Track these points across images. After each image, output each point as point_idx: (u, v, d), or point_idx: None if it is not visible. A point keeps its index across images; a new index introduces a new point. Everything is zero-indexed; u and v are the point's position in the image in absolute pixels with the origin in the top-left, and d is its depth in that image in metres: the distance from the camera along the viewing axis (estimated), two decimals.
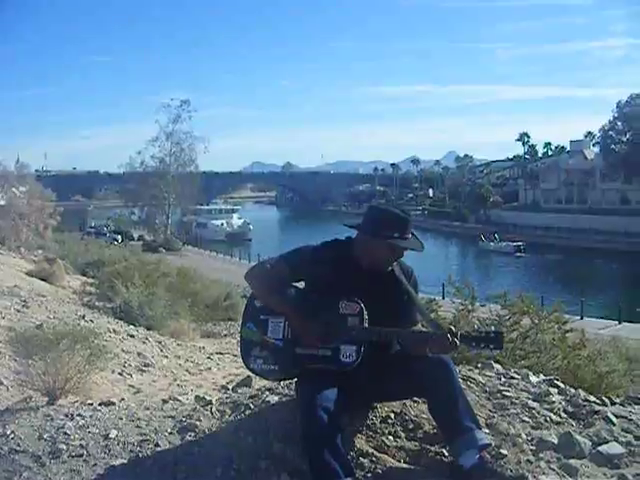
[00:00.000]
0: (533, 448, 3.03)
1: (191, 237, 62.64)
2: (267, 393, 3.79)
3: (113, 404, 4.36)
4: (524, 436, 3.13)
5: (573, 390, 3.96)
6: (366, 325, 2.96)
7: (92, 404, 4.40)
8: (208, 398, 4.10)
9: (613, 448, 3.04)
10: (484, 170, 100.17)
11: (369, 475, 2.89)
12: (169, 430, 3.54)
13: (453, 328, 2.95)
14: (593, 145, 78.09)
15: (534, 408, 3.48)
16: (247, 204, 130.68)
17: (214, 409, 3.74)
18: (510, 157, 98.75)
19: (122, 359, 7.55)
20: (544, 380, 4.13)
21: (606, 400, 3.80)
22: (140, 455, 3.27)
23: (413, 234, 3.09)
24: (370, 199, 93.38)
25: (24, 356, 4.66)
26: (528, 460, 2.92)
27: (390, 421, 3.25)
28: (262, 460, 3.02)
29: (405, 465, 2.99)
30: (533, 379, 4.08)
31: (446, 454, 2.99)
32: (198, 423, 3.53)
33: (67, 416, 3.85)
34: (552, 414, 3.43)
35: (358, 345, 2.94)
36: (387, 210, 3.11)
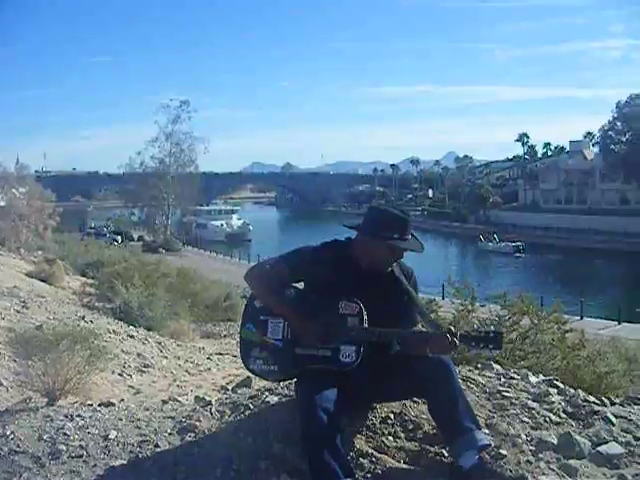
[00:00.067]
0: (533, 448, 3.03)
1: (191, 238, 62.65)
2: (267, 394, 3.79)
3: (113, 405, 4.37)
4: (524, 436, 3.13)
5: (573, 390, 3.96)
6: (366, 325, 2.96)
7: (92, 405, 4.39)
8: (208, 399, 4.10)
9: (613, 448, 3.04)
10: (484, 170, 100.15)
11: (369, 476, 2.89)
12: (169, 431, 3.55)
13: (453, 328, 2.96)
14: (593, 145, 78.18)
15: (534, 408, 3.48)
16: (247, 205, 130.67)
17: (214, 410, 3.74)
18: (510, 157, 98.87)
19: (122, 360, 7.56)
20: (544, 380, 4.13)
21: (605, 400, 3.80)
22: (140, 456, 3.27)
23: (413, 235, 3.09)
24: (370, 200, 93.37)
25: (24, 357, 4.66)
26: (528, 460, 2.92)
27: (390, 421, 3.25)
28: (262, 460, 3.02)
29: (405, 465, 2.99)
30: (533, 379, 4.08)
31: (446, 455, 2.99)
32: (198, 424, 3.53)
33: (67, 417, 3.85)
34: (552, 414, 3.43)
35: (358, 345, 2.94)
36: (387, 211, 3.11)
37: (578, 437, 3.09)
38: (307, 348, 3.00)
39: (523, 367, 4.78)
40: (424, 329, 3.12)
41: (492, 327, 5.12)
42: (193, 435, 3.44)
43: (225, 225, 70.66)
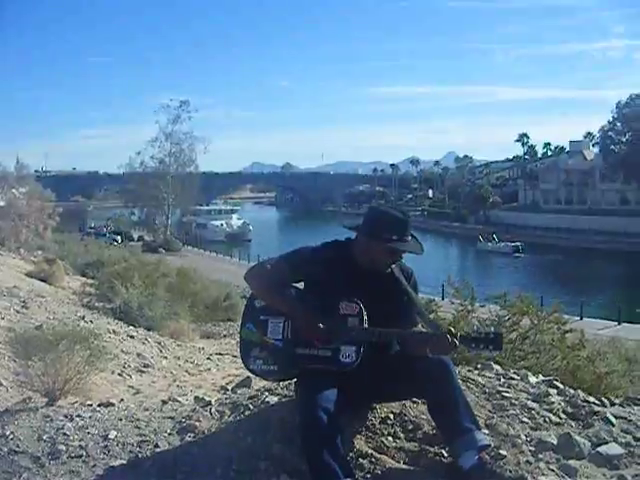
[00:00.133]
0: (532, 449, 3.03)
1: (191, 237, 62.65)
2: (266, 394, 3.79)
3: (112, 405, 4.37)
4: (523, 437, 3.13)
5: (572, 391, 3.95)
6: (366, 326, 2.96)
7: (91, 405, 4.40)
8: (207, 399, 4.10)
9: (612, 449, 3.04)
10: (483, 171, 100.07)
11: (368, 476, 2.89)
12: (168, 431, 3.55)
13: (452, 329, 2.96)
14: (592, 146, 78.17)
15: (533, 409, 3.48)
16: (247, 205, 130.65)
17: (213, 410, 3.74)
18: (510, 158, 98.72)
19: (122, 360, 7.56)
20: (543, 381, 4.13)
21: (605, 401, 3.79)
22: (139, 456, 3.27)
23: (413, 236, 3.09)
24: (370, 200, 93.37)
25: (23, 357, 4.66)
26: (527, 461, 2.92)
27: (389, 422, 3.25)
28: (261, 461, 3.02)
29: (404, 466, 2.99)
30: (532, 380, 4.08)
31: (445, 455, 2.99)
32: (197, 424, 3.53)
33: (66, 417, 3.85)
34: (551, 415, 3.43)
35: (358, 346, 2.94)
36: (387, 212, 3.11)
37: (578, 437, 3.09)
38: (307, 348, 3.00)
39: (523, 367, 4.78)
40: (424, 330, 3.12)
41: (492, 328, 5.13)
42: (193, 435, 3.44)
43: (225, 225, 70.66)
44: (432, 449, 3.06)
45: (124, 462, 3.21)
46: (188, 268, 20.16)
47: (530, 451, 3.01)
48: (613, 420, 3.38)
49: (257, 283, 3.17)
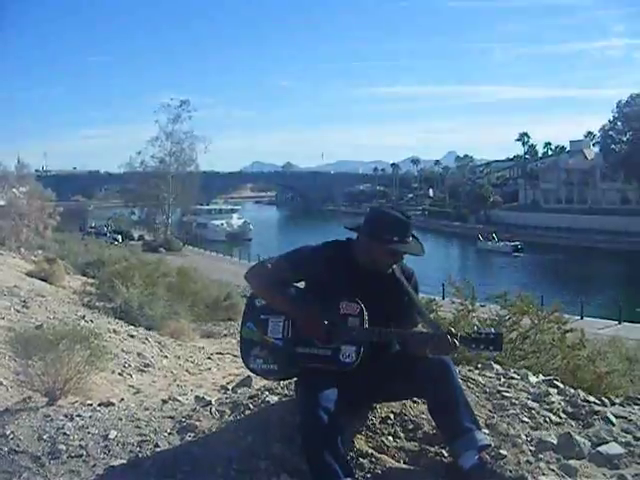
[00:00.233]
0: (533, 449, 3.03)
1: (191, 237, 62.60)
2: (267, 393, 3.79)
3: (113, 405, 4.37)
4: (524, 437, 3.13)
5: (573, 390, 3.95)
6: (366, 326, 2.96)
7: (92, 405, 4.40)
8: (208, 398, 4.10)
9: (612, 448, 3.04)
10: (484, 170, 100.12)
11: (369, 475, 2.89)
12: (169, 430, 3.55)
13: (453, 329, 2.96)
14: (593, 145, 78.19)
15: (534, 408, 3.48)
16: (247, 204, 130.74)
17: (214, 409, 3.74)
18: (510, 157, 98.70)
19: (122, 359, 7.57)
20: (544, 380, 4.13)
21: (606, 400, 3.79)
22: (140, 455, 3.27)
23: (414, 237, 3.09)
24: (370, 199, 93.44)
25: (24, 356, 4.66)
26: (528, 461, 2.92)
27: (390, 421, 3.25)
28: (262, 460, 3.02)
29: (405, 465, 2.99)
30: (533, 379, 4.08)
31: (446, 455, 2.99)
32: (198, 423, 3.53)
33: (67, 417, 3.85)
34: (552, 414, 3.43)
35: (358, 345, 2.94)
36: (388, 213, 3.09)
37: (578, 437, 3.09)
38: (307, 347, 3.00)
39: (523, 367, 4.78)
40: (424, 330, 3.12)
41: (492, 328, 5.12)
42: (193, 435, 3.44)
43: (225, 224, 70.63)
44: (432, 449, 3.06)
45: (124, 462, 3.21)
46: (188, 267, 20.17)
47: (530, 451, 3.01)
48: (613, 420, 3.38)
49: (257, 282, 3.17)
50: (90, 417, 3.84)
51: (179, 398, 4.64)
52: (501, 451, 2.96)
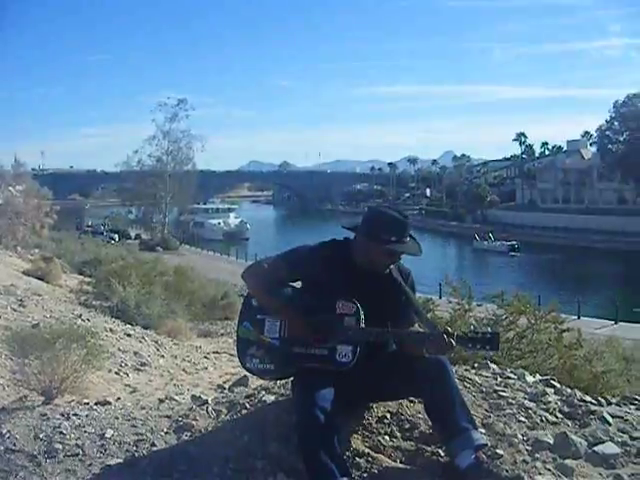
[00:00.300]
0: (529, 448, 3.03)
1: (188, 236, 62.54)
2: (263, 393, 3.79)
3: (109, 403, 4.37)
4: (520, 436, 3.13)
5: (569, 390, 3.96)
6: (363, 325, 2.96)
7: (88, 403, 4.40)
8: (204, 398, 4.09)
9: (609, 448, 3.04)
10: (481, 170, 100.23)
11: (365, 475, 2.89)
12: (165, 430, 3.54)
13: (449, 329, 2.96)
14: (590, 145, 78.40)
15: (530, 408, 3.48)
16: (244, 203, 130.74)
17: (210, 409, 3.74)
18: (507, 157, 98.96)
19: (118, 358, 7.56)
20: (540, 380, 4.13)
21: (602, 400, 3.80)
22: (136, 455, 3.26)
23: (412, 237, 3.08)
24: (367, 198, 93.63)
25: (20, 355, 4.66)
26: (524, 460, 2.92)
27: (386, 421, 3.25)
28: (258, 460, 3.02)
29: (401, 465, 2.99)
30: (529, 379, 4.08)
31: (442, 454, 2.99)
32: (194, 423, 3.53)
33: (63, 415, 3.84)
34: (548, 414, 3.43)
35: (354, 345, 2.94)
36: (385, 213, 3.09)
37: (574, 437, 3.09)
38: (304, 347, 2.99)
39: (520, 367, 4.78)
40: (421, 329, 3.12)
41: (489, 328, 5.13)
42: (189, 434, 3.44)
43: (222, 224, 70.64)
44: (429, 448, 3.07)
45: (121, 461, 3.20)
46: (185, 267, 20.17)
47: (527, 450, 3.01)
48: (610, 419, 3.38)
49: (254, 282, 3.17)
50: (86, 416, 3.84)
51: (176, 397, 4.64)
52: (497, 451, 2.96)
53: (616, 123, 67.82)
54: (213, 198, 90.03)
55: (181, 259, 32.43)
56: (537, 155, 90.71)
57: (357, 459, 2.96)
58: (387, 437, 3.15)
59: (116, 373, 6.99)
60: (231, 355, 9.31)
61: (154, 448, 3.32)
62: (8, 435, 3.49)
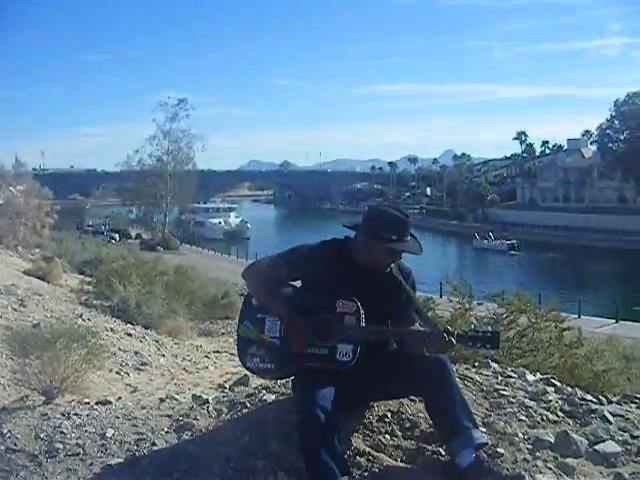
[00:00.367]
0: (530, 447, 3.03)
1: (189, 235, 62.58)
2: (264, 392, 3.79)
3: (110, 403, 4.37)
4: (521, 435, 3.13)
5: (570, 389, 3.96)
6: (363, 324, 2.96)
7: (89, 403, 4.39)
8: (205, 397, 4.09)
9: (610, 447, 3.04)
10: (482, 169, 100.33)
11: (366, 474, 2.89)
12: (166, 429, 3.54)
13: (450, 328, 2.95)
14: (591, 144, 78.31)
15: (531, 407, 3.48)
16: (245, 202, 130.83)
17: (211, 408, 3.74)
18: (508, 156, 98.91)
19: (119, 358, 7.56)
20: (541, 379, 4.13)
21: (603, 399, 3.80)
22: (137, 454, 3.26)
23: (412, 235, 3.08)
24: (368, 198, 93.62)
25: (21, 355, 4.66)
26: (525, 459, 2.92)
27: (387, 420, 3.25)
28: (259, 459, 3.02)
29: (402, 464, 2.99)
30: (530, 378, 4.08)
31: (443, 453, 2.99)
32: (195, 422, 3.52)
33: (64, 415, 3.84)
34: (549, 413, 3.43)
35: (355, 344, 2.94)
36: (386, 212, 3.08)
37: (575, 435, 3.09)
38: (304, 346, 2.99)
39: (520, 365, 4.79)
40: (421, 328, 3.11)
41: (489, 326, 5.13)
42: (190, 433, 3.44)
43: (223, 223, 70.64)
44: (429, 447, 3.06)
45: (121, 460, 3.20)
46: (186, 266, 20.16)
47: (527, 449, 3.01)
48: (610, 418, 3.38)
49: (254, 281, 3.17)
50: (87, 416, 3.83)
51: (176, 397, 4.64)
52: (498, 449, 2.96)
53: (616, 122, 67.82)
54: (214, 197, 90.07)
55: (182, 258, 32.42)
56: (537, 154, 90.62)
57: (358, 458, 2.96)
58: (388, 436, 3.15)
59: (117, 373, 6.99)
60: (232, 354, 9.31)
61: (155, 447, 3.32)
62: (9, 435, 3.49)
